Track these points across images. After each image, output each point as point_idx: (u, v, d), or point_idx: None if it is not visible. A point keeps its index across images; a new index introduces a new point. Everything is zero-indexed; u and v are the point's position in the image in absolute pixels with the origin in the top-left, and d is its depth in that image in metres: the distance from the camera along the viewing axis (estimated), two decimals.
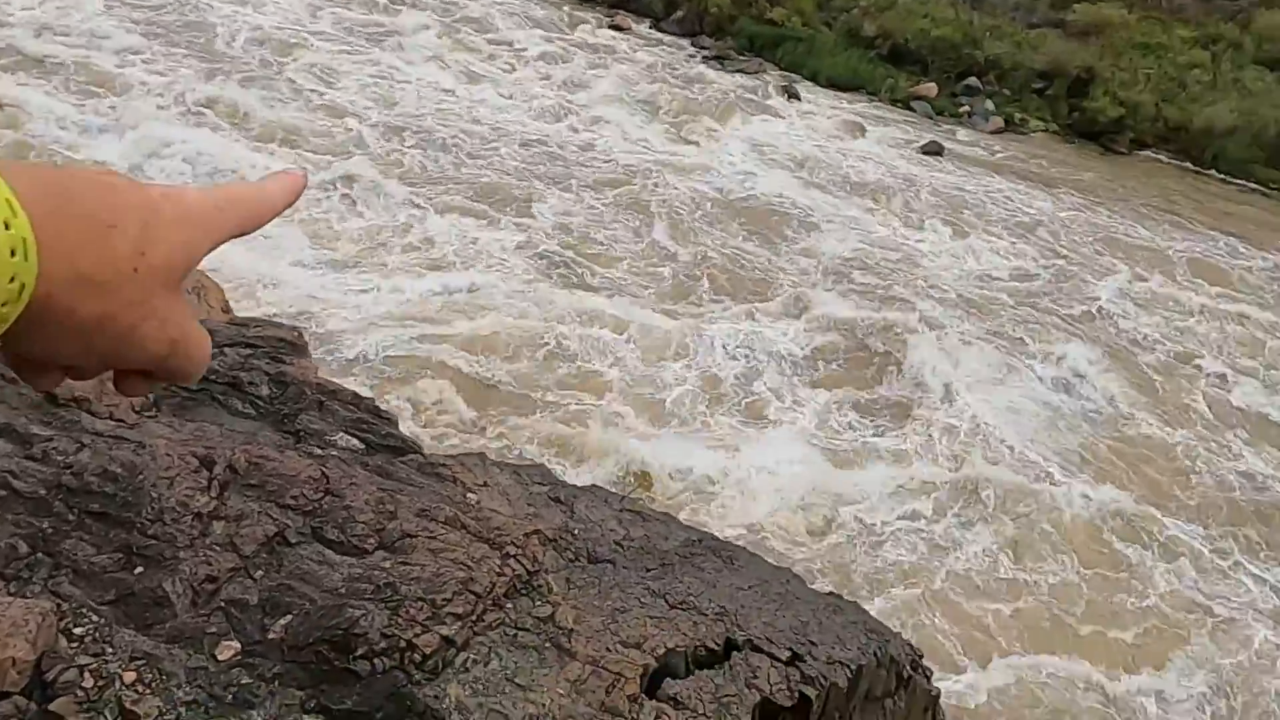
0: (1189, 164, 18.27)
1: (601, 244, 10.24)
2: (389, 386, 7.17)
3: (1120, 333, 10.65)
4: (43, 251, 0.52)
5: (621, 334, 8.49)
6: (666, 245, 10.51)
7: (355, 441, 3.82)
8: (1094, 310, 11.05)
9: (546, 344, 8.18)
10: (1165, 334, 10.77)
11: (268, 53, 13.34)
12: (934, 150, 15.74)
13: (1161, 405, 9.35)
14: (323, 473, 3.13)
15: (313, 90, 12.52)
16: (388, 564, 2.85)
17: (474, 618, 2.67)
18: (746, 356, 8.64)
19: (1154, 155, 18.67)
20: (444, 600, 2.68)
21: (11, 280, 0.50)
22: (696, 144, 14.12)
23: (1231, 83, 19.47)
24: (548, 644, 2.69)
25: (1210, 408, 9.51)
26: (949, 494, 7.38)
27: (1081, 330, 10.48)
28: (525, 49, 16.49)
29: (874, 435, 8.00)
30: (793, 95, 17.45)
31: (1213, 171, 17.98)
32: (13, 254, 0.50)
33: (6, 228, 0.50)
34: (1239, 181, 17.76)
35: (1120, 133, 18.65)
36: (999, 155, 16.84)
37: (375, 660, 2.56)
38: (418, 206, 10.10)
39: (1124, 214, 14.66)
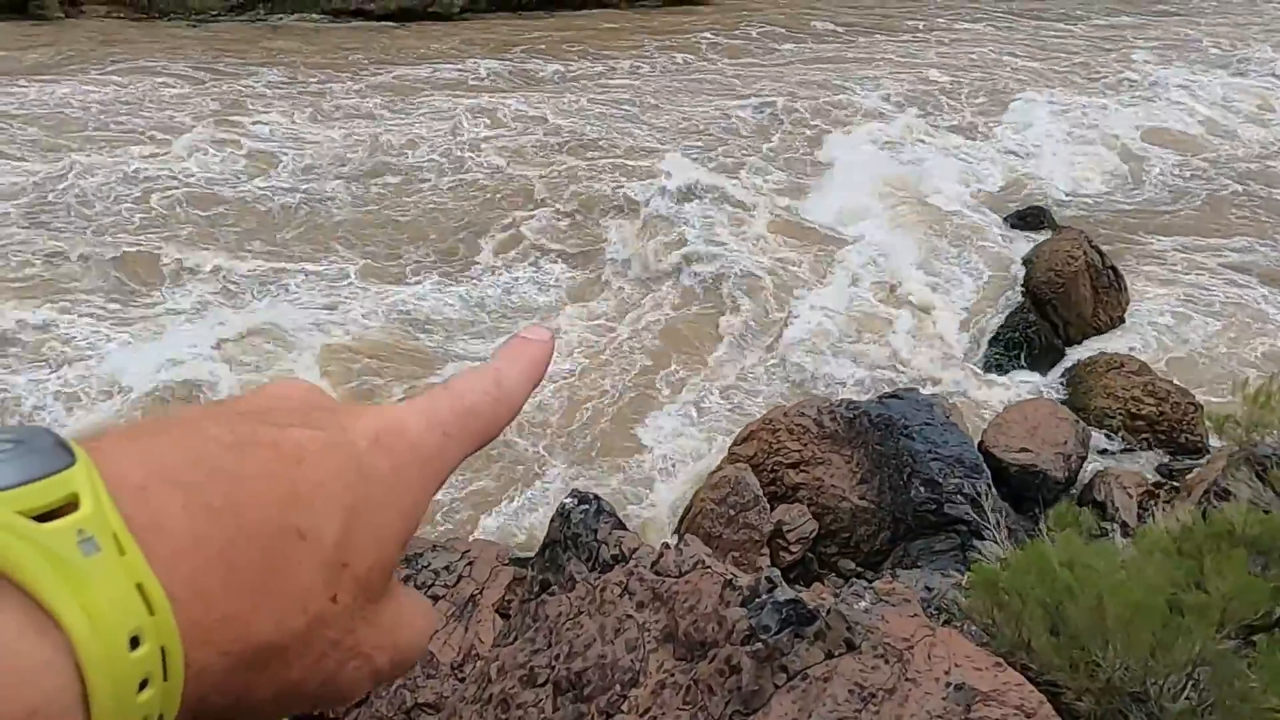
0: (138, 15, 19.03)
1: None
2: None
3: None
4: (192, 642, 0.29)
5: None
6: None
7: None
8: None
9: None
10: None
11: None
12: None
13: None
14: None
15: None
16: None
17: None
18: None
19: (98, 12, 18.93)
20: None
21: None
22: None
23: None
24: None
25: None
26: None
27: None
28: None
29: None
30: None
31: (158, 18, 19.14)
32: (143, 686, 0.28)
33: (135, 645, 0.28)
34: (184, 19, 19.34)
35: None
36: None
37: None
38: None
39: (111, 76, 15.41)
